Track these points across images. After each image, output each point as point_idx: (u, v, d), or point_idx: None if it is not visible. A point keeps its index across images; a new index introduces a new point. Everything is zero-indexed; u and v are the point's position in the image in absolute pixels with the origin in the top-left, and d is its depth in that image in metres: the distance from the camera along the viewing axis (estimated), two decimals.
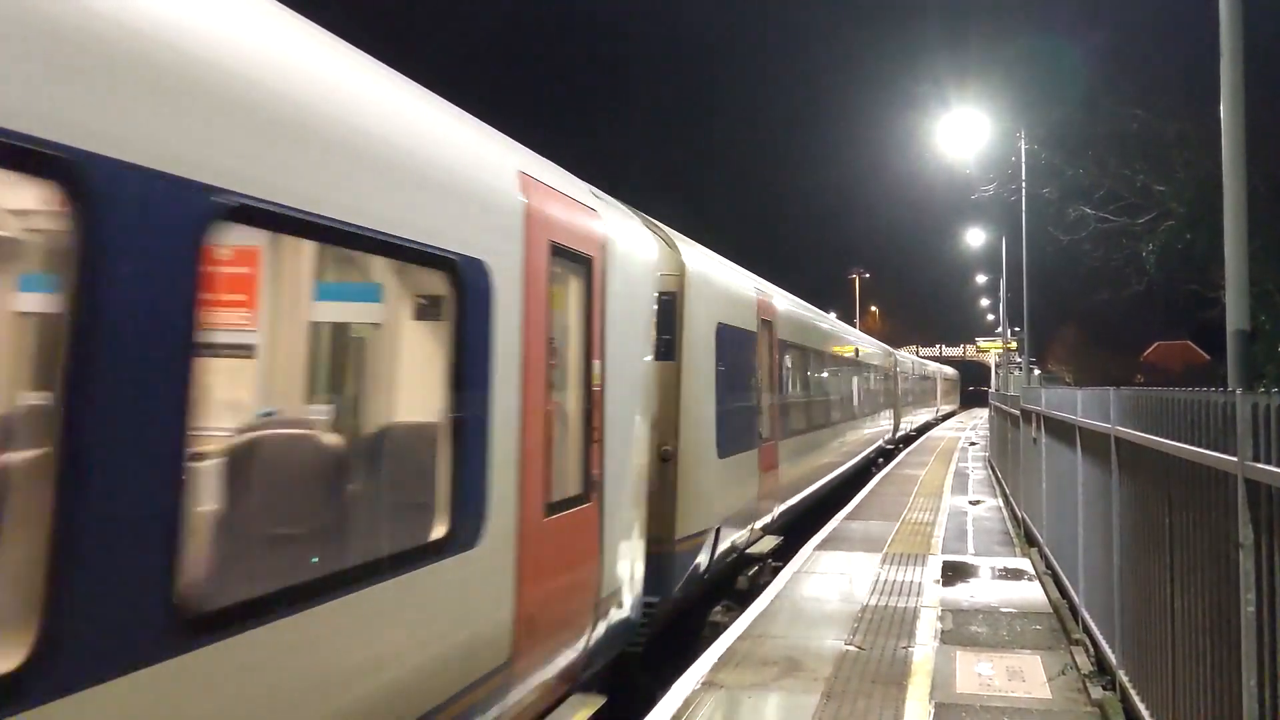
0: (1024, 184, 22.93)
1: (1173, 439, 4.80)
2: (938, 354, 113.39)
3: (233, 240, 3.25)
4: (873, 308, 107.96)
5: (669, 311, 8.54)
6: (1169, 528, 4.97)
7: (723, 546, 9.63)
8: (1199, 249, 19.61)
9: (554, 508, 5.21)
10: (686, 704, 6.49)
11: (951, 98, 24.11)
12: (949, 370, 61.36)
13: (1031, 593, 9.94)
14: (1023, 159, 23.01)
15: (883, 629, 8.45)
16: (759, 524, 11.40)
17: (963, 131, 24.31)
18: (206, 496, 3.43)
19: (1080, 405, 8.05)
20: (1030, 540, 12.72)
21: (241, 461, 3.79)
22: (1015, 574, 10.96)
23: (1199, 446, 4.32)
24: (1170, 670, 4.92)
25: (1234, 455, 3.82)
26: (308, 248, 4.28)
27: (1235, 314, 6.84)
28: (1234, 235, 6.95)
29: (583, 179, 6.45)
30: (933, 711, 6.32)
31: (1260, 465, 3.58)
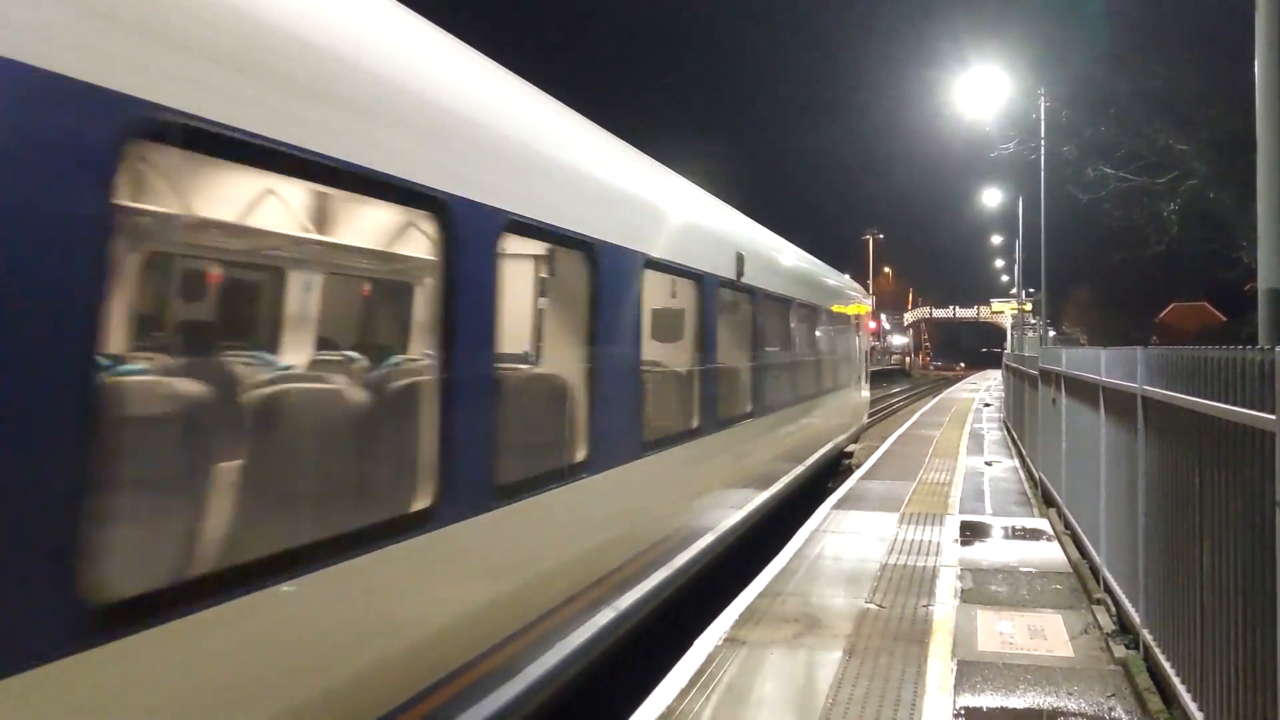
0: (1043, 141, 22.62)
1: (1205, 398, 4.75)
2: (951, 315, 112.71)
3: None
4: (886, 269, 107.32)
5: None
6: (1199, 487, 4.94)
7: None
8: (1222, 208, 19.37)
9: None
10: (710, 659, 6.53)
11: (970, 54, 23.79)
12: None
13: (1051, 552, 9.95)
14: (1042, 115, 22.69)
15: (902, 588, 8.49)
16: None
17: (981, 89, 23.97)
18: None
19: (1104, 365, 7.98)
20: (1048, 500, 12.71)
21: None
22: (1034, 534, 10.97)
23: (1234, 405, 4.28)
24: (1199, 629, 4.92)
25: (1272, 413, 3.79)
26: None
27: (1267, 272, 6.73)
28: (1268, 191, 6.81)
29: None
30: (955, 669, 6.35)
31: None
